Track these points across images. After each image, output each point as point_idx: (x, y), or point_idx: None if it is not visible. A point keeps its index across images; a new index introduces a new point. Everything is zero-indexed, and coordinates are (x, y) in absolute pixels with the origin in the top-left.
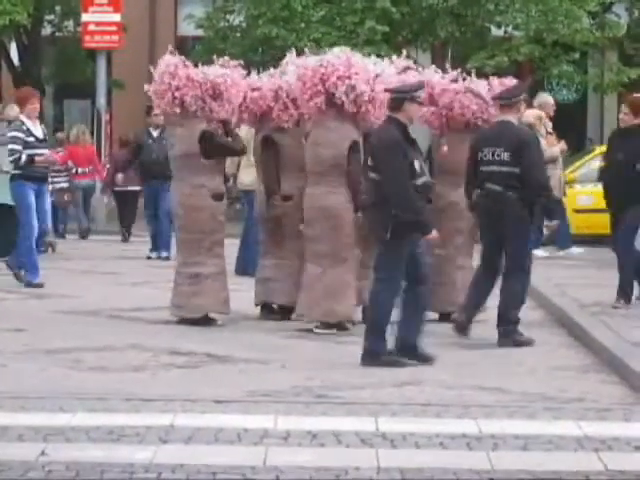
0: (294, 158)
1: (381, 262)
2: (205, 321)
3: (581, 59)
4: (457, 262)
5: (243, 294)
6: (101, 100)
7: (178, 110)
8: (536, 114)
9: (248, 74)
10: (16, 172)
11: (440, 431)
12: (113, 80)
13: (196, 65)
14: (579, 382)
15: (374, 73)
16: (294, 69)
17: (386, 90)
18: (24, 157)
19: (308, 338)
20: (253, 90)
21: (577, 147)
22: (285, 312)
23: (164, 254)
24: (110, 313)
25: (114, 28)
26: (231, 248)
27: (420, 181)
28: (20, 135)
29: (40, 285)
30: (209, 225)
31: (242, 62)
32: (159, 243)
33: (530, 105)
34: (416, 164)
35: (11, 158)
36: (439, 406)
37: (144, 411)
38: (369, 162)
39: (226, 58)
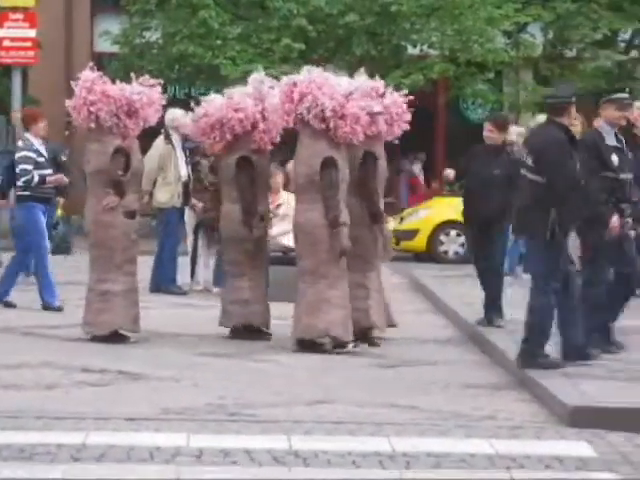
0: (265, 179)
1: (537, 264)
2: (117, 338)
3: (496, 78)
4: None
5: (156, 311)
6: (17, 116)
7: (93, 125)
8: (518, 131)
9: (165, 91)
10: (25, 193)
11: (353, 449)
12: (28, 97)
13: (113, 82)
14: (492, 400)
15: (347, 90)
16: (272, 90)
17: (547, 97)
18: (37, 178)
19: (222, 356)
20: (237, 111)
21: None
22: (262, 333)
23: None
24: (24, 330)
25: (29, 44)
26: (145, 265)
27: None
28: (31, 155)
29: (60, 309)
30: (120, 242)
31: (161, 80)
32: None
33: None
34: (577, 166)
35: (24, 178)
36: (352, 424)
37: (56, 429)
38: (529, 164)
39: (146, 77)
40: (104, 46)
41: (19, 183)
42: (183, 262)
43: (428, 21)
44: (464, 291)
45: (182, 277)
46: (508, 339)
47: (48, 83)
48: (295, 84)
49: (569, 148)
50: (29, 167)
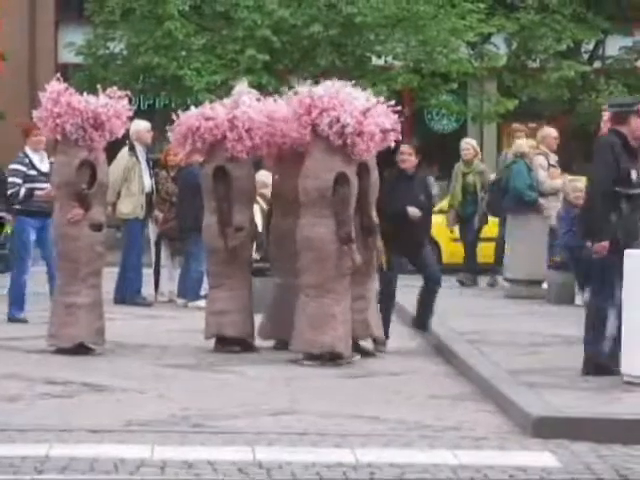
0: (245, 189)
1: (595, 269)
2: (81, 351)
3: (461, 89)
4: (294, 290)
5: (120, 323)
6: None
7: (59, 137)
8: (530, 143)
9: (130, 102)
10: (16, 207)
11: (316, 460)
12: None
13: (81, 93)
14: (455, 411)
15: (364, 107)
16: (248, 100)
17: (610, 105)
18: (22, 191)
19: (185, 367)
20: (207, 119)
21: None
22: (241, 344)
23: None
24: None
25: None
26: (110, 277)
27: (633, 191)
28: (21, 168)
29: (25, 320)
30: (85, 255)
31: (128, 92)
32: None
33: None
34: (633, 174)
35: (9, 192)
36: (316, 435)
37: (19, 441)
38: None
39: (114, 88)
40: (68, 57)
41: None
42: (148, 273)
43: (392, 32)
44: None
45: (147, 288)
46: (472, 349)
47: (12, 94)
48: (314, 98)
49: (618, 154)
50: (17, 180)
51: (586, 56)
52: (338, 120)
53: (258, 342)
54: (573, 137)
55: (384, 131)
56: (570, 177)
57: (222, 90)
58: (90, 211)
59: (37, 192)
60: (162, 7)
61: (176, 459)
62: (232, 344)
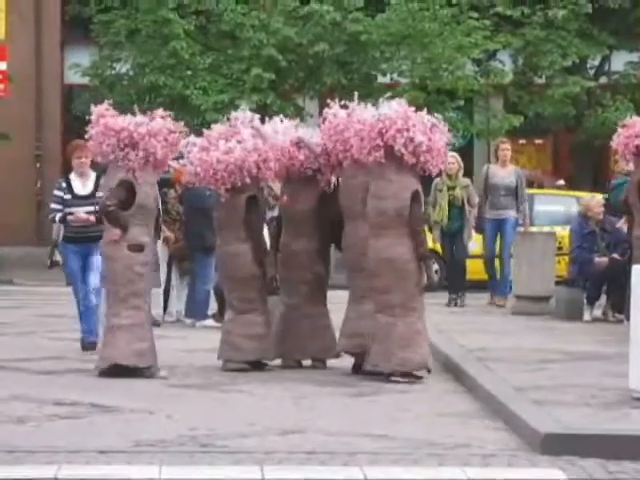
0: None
1: None
2: (123, 372)
3: (467, 106)
4: (303, 310)
5: None
6: None
7: (99, 159)
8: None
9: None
10: (61, 234)
11: (325, 478)
12: None
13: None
14: (464, 428)
15: (430, 123)
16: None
17: None
18: (58, 216)
19: (194, 387)
20: (249, 153)
21: None
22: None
23: None
24: None
25: (0, 77)
26: None
27: None
28: (58, 193)
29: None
30: (123, 276)
31: (170, 113)
32: None
33: None
34: None
35: (49, 217)
36: (324, 454)
37: (27, 463)
38: None
39: (160, 111)
40: (74, 78)
41: None
42: (156, 293)
43: (398, 49)
44: (437, 318)
45: (155, 309)
46: (480, 366)
47: (18, 115)
48: (386, 120)
49: None
50: (55, 206)
51: (592, 72)
52: (412, 140)
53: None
54: (579, 153)
55: (446, 146)
56: (585, 194)
57: (229, 109)
58: (129, 232)
59: (69, 217)
60: (167, 27)
61: (184, 479)
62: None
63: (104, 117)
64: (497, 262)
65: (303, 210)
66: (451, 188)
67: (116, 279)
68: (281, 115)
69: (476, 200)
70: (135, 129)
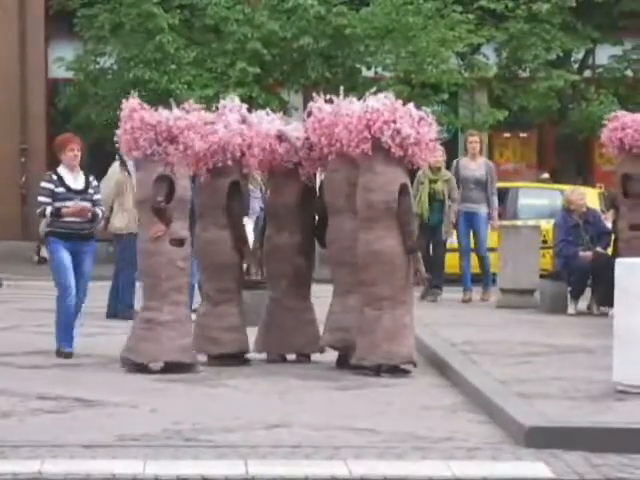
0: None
1: None
2: (172, 369)
3: (451, 99)
4: (285, 304)
5: (112, 337)
6: None
7: (136, 154)
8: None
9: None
10: (48, 229)
11: (309, 473)
12: None
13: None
14: (448, 421)
15: (418, 116)
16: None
17: None
18: (49, 210)
19: (178, 381)
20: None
21: None
22: (238, 357)
23: None
24: None
25: None
26: (103, 290)
27: None
28: (47, 186)
29: (69, 355)
30: (166, 270)
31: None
32: None
33: None
34: None
35: (37, 211)
36: (309, 448)
37: (12, 457)
38: None
39: (191, 102)
40: (58, 72)
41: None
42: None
43: (382, 43)
44: (422, 312)
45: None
46: (464, 359)
47: (2, 110)
48: (373, 113)
49: None
50: (43, 199)
51: (576, 65)
52: (399, 132)
53: (252, 355)
54: (563, 146)
55: (434, 140)
56: (570, 187)
57: (213, 103)
58: (171, 226)
59: (63, 210)
60: (152, 21)
61: (169, 474)
62: (229, 358)
63: (136, 111)
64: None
65: (286, 203)
66: (433, 181)
67: (158, 273)
68: (267, 109)
69: (457, 194)
70: (174, 123)
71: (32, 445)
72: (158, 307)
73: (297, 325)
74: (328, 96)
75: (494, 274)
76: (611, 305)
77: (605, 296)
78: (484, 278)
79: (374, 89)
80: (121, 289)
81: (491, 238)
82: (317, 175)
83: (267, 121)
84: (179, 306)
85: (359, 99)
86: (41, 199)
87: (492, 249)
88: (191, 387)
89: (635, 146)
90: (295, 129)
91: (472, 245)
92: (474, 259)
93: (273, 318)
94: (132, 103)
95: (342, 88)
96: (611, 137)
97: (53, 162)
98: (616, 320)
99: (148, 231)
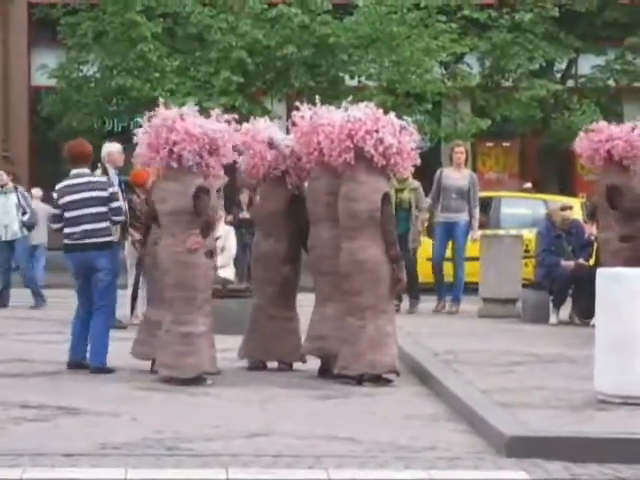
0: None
1: None
2: (198, 381)
3: (434, 109)
4: (268, 311)
5: None
6: None
7: (175, 165)
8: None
9: (103, 124)
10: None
11: None
12: None
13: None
14: (430, 431)
15: (399, 125)
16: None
17: None
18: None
19: (159, 390)
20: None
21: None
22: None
23: None
24: None
25: None
26: None
27: None
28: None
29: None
30: (202, 282)
31: (236, 116)
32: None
33: None
34: None
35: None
36: (290, 457)
37: None
38: None
39: (217, 111)
40: (41, 80)
41: None
42: (122, 295)
43: (366, 53)
44: (404, 321)
45: (121, 311)
46: (446, 369)
47: None
48: (355, 122)
49: None
50: (54, 211)
51: (559, 75)
52: (382, 141)
53: (237, 362)
54: (546, 156)
55: (415, 149)
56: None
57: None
58: (206, 238)
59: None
60: (135, 30)
61: None
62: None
63: (177, 122)
64: (446, 266)
65: (273, 211)
66: (399, 190)
67: (195, 285)
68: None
69: (425, 204)
70: (218, 135)
71: (13, 453)
72: (193, 320)
73: (279, 333)
74: (310, 105)
75: (475, 283)
76: (591, 317)
77: (586, 308)
78: (454, 290)
79: (350, 98)
80: None
81: (473, 247)
82: (305, 184)
83: (263, 127)
84: (208, 317)
85: (339, 108)
86: (53, 211)
87: (474, 258)
88: (172, 395)
89: (626, 157)
90: (288, 138)
91: (449, 254)
92: (448, 268)
93: (256, 325)
94: (171, 113)
95: (319, 97)
96: (598, 149)
97: (35, 169)
98: (597, 330)
99: (183, 243)
